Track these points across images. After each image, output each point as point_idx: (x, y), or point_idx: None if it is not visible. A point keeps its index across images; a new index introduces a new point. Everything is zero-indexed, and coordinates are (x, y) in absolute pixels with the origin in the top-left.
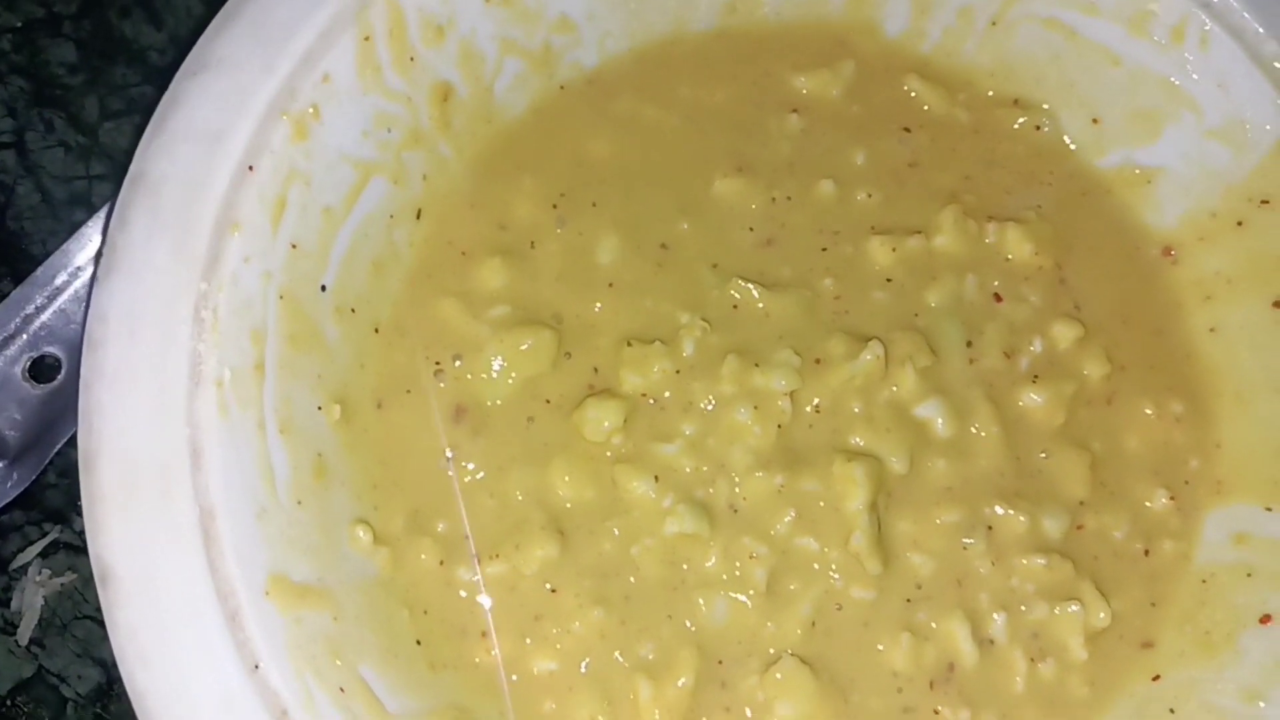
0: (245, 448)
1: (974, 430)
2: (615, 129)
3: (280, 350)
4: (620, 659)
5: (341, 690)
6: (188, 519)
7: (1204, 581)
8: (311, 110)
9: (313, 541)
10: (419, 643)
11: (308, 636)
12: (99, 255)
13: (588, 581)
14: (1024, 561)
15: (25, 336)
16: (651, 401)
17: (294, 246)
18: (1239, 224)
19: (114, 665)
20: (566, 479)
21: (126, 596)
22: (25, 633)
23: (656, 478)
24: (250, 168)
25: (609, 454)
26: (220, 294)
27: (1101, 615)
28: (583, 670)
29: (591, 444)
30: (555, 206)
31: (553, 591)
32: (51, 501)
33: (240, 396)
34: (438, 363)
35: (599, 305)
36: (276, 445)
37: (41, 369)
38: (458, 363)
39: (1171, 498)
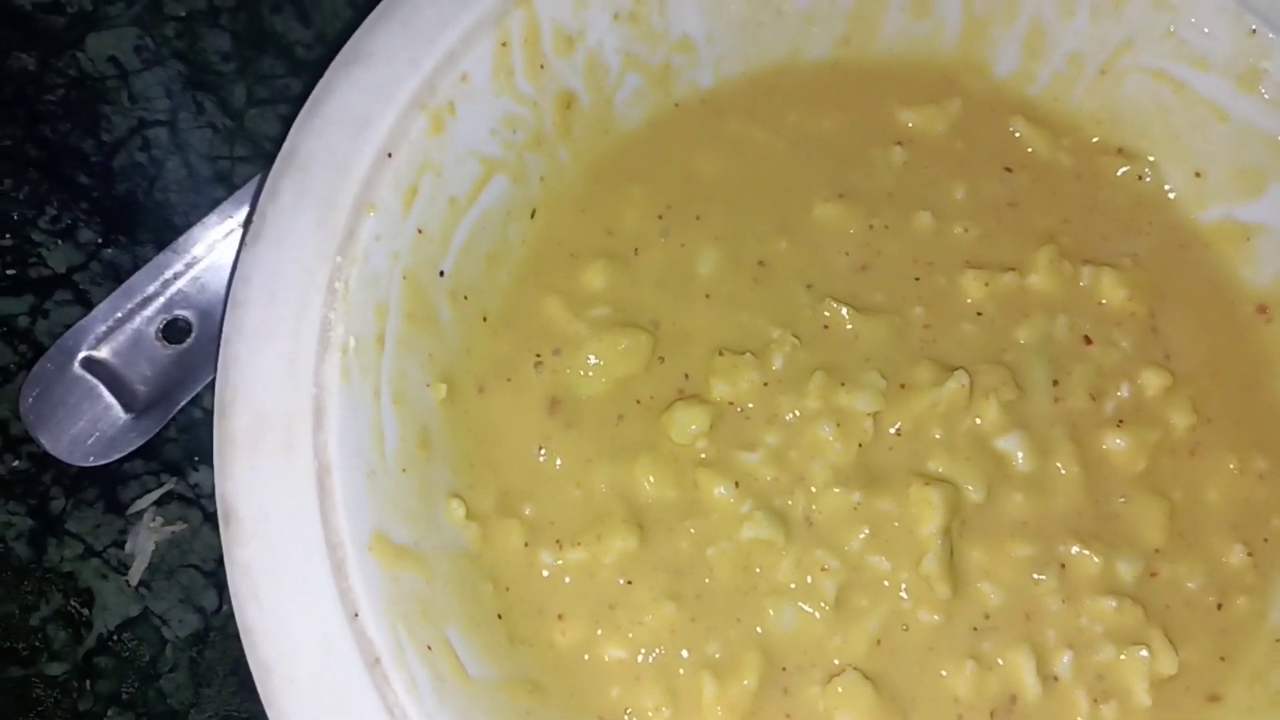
0: (362, 412)
1: (1054, 468)
2: (724, 148)
3: (399, 326)
4: (687, 655)
5: (429, 648)
6: (306, 471)
7: (1278, 640)
8: (448, 106)
9: (413, 508)
10: (500, 616)
11: (402, 594)
12: (247, 222)
13: (662, 577)
14: (1094, 602)
15: (162, 300)
16: (738, 410)
17: (420, 231)
18: None
19: (212, 613)
20: (651, 478)
21: (246, 536)
22: (136, 574)
23: (737, 484)
24: (389, 155)
25: (693, 457)
26: (353, 268)
27: (1169, 663)
28: (650, 661)
29: (677, 446)
30: (661, 217)
31: (628, 584)
32: (170, 455)
33: (361, 365)
34: (538, 355)
35: (695, 314)
36: (389, 414)
37: (174, 331)
38: (557, 356)
39: (1249, 554)
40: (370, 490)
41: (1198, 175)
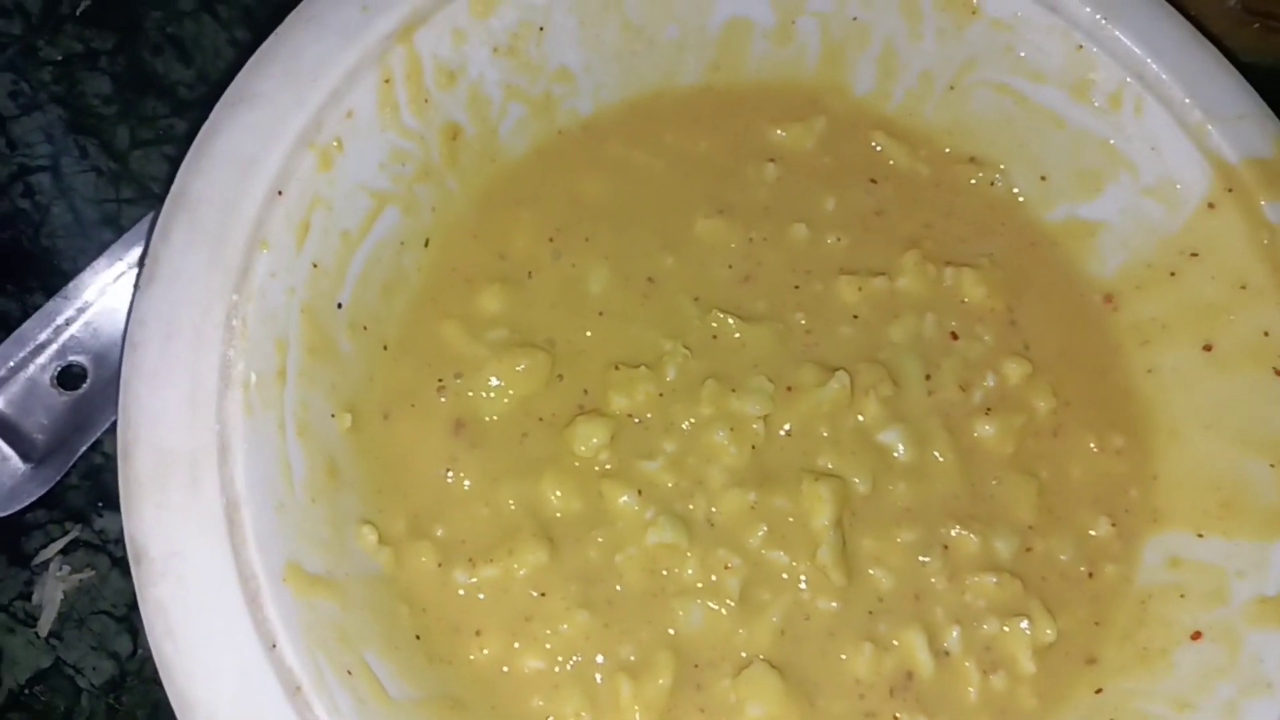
0: (267, 446)
1: (932, 456)
2: (607, 171)
3: (300, 359)
4: (603, 660)
5: (349, 673)
6: (214, 507)
7: (1143, 603)
8: (336, 143)
9: (324, 536)
10: (418, 637)
11: (319, 621)
12: (141, 264)
13: (574, 586)
14: (976, 579)
15: (55, 346)
16: (636, 421)
17: (315, 265)
18: (1172, 274)
19: (127, 659)
20: (557, 492)
21: (157, 575)
22: (45, 625)
23: (640, 491)
24: (279, 192)
25: (596, 469)
26: (249, 304)
27: (1049, 631)
28: (569, 669)
29: (580, 459)
30: (551, 240)
31: (541, 595)
32: (73, 502)
33: (264, 399)
34: (440, 379)
35: (589, 332)
36: (294, 446)
37: (69, 377)
38: (458, 380)
39: (1113, 524)
40: (280, 522)
41: (1043, 179)
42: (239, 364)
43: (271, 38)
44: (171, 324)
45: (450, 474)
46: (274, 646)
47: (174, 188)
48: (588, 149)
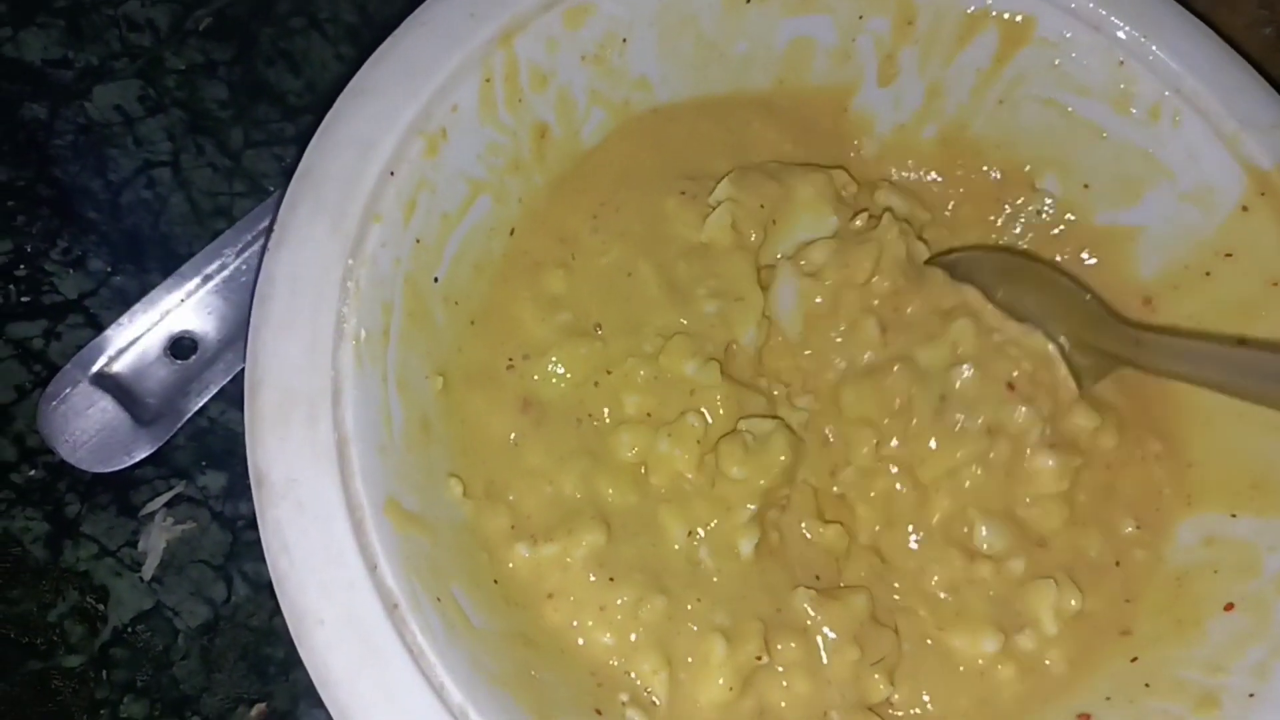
0: (372, 395)
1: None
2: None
3: (402, 323)
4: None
5: (438, 599)
6: (327, 442)
7: (1178, 579)
8: (441, 133)
9: (418, 481)
10: (496, 581)
11: (413, 552)
12: (269, 231)
13: (638, 575)
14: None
15: (168, 320)
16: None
17: (418, 241)
18: (1207, 274)
19: (221, 604)
20: (610, 489)
21: (276, 497)
22: (148, 570)
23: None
24: (391, 173)
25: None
26: (362, 269)
27: (1073, 602)
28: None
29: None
30: (594, 216)
31: (610, 580)
32: (179, 460)
33: (371, 353)
34: (510, 359)
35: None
36: (394, 398)
37: (179, 348)
38: (525, 360)
39: (1138, 527)
40: (382, 462)
41: (1085, 186)
42: (351, 320)
43: (390, 39)
44: (296, 282)
45: (518, 448)
46: (375, 568)
47: (301, 166)
48: (654, 127)
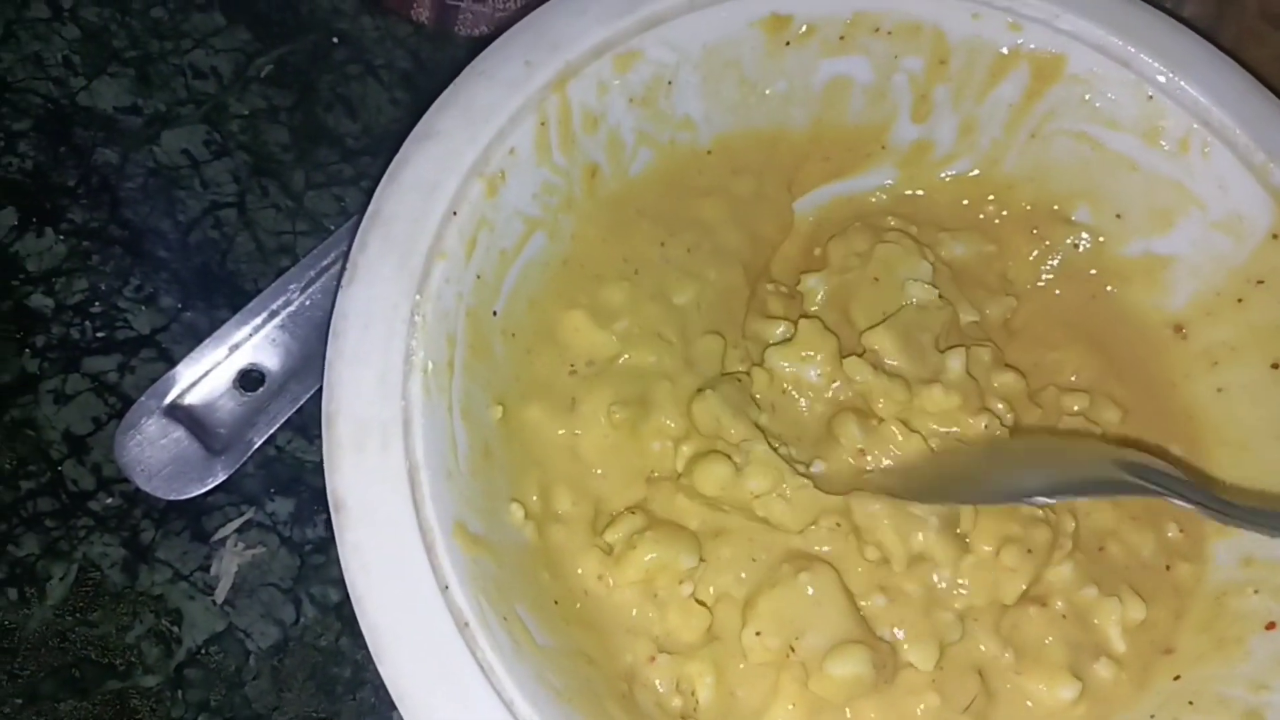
0: (439, 423)
1: None
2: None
3: (464, 355)
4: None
5: (504, 619)
6: (400, 468)
7: (1218, 599)
8: (500, 175)
9: (482, 505)
10: (556, 602)
11: (480, 574)
12: (341, 270)
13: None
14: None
15: (237, 353)
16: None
17: (479, 277)
18: (1239, 300)
19: (290, 625)
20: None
21: (354, 521)
22: (221, 594)
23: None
24: (454, 213)
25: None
26: (428, 304)
27: (1135, 613)
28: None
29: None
30: (663, 244)
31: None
32: (249, 488)
33: (438, 384)
34: (572, 366)
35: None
36: (459, 427)
37: (248, 380)
38: (590, 366)
39: (1181, 530)
40: (449, 488)
41: (1118, 217)
42: (420, 352)
43: (451, 87)
44: (367, 317)
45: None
46: (446, 588)
47: (370, 207)
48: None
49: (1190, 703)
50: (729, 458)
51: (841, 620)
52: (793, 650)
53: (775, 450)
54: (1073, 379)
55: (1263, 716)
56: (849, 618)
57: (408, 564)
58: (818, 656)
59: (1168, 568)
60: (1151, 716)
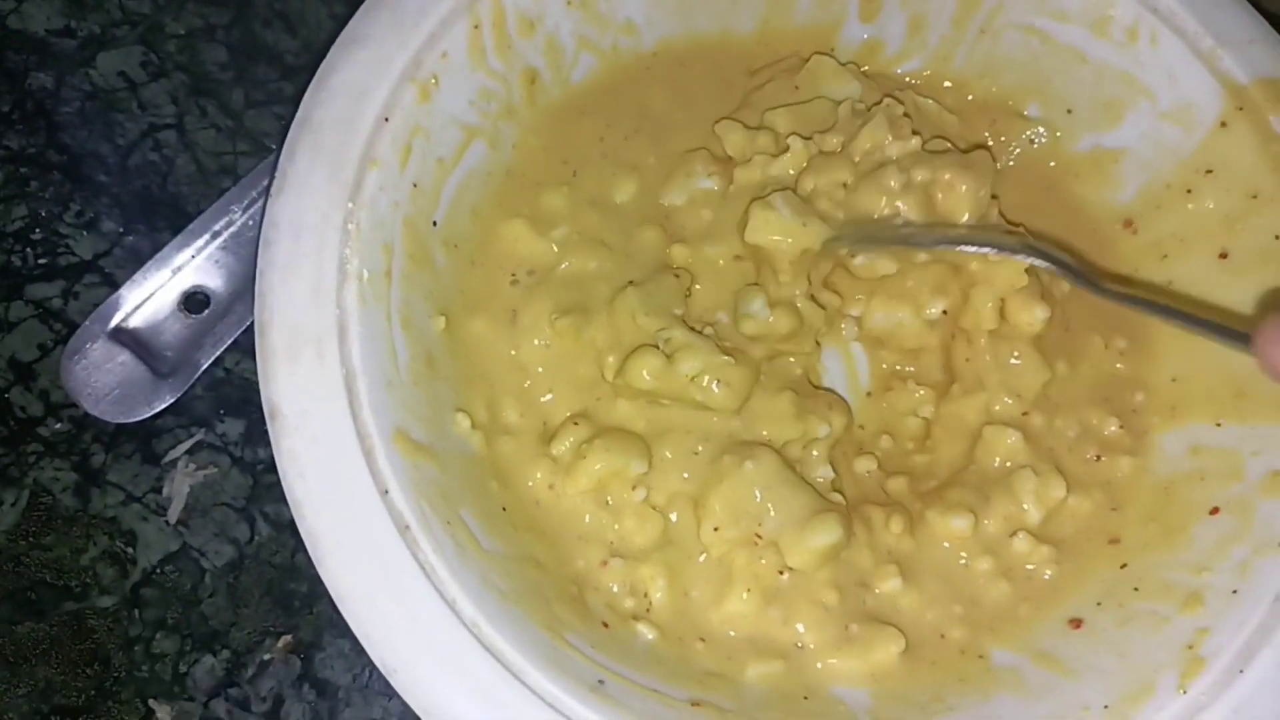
0: (377, 332)
1: None
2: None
3: (403, 264)
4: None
5: (448, 523)
6: (336, 377)
7: (1166, 489)
8: (433, 79)
9: (425, 414)
10: (504, 509)
11: (423, 479)
12: (269, 181)
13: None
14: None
15: (180, 276)
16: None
17: (415, 185)
18: (1188, 191)
19: (245, 544)
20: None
21: (290, 429)
22: (174, 514)
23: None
24: (386, 119)
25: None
26: (362, 212)
27: (1058, 492)
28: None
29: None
30: (601, 139)
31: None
32: (198, 409)
33: (375, 292)
34: (513, 275)
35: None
36: (399, 336)
37: (193, 302)
38: (531, 276)
39: (1121, 426)
40: (389, 396)
41: (1069, 112)
42: (354, 261)
43: None
44: (298, 226)
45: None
46: (386, 492)
47: (298, 115)
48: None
49: (1135, 589)
50: (656, 347)
51: (798, 495)
52: (759, 537)
53: (698, 332)
54: None
55: (1202, 598)
56: (804, 492)
57: (345, 469)
58: (790, 534)
59: (1098, 458)
60: (1098, 604)
